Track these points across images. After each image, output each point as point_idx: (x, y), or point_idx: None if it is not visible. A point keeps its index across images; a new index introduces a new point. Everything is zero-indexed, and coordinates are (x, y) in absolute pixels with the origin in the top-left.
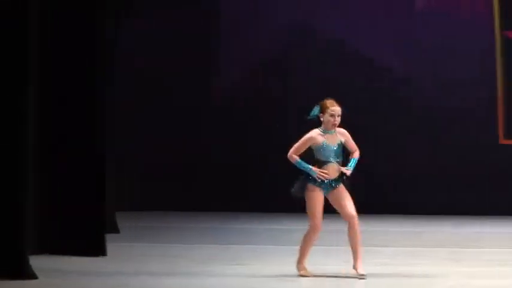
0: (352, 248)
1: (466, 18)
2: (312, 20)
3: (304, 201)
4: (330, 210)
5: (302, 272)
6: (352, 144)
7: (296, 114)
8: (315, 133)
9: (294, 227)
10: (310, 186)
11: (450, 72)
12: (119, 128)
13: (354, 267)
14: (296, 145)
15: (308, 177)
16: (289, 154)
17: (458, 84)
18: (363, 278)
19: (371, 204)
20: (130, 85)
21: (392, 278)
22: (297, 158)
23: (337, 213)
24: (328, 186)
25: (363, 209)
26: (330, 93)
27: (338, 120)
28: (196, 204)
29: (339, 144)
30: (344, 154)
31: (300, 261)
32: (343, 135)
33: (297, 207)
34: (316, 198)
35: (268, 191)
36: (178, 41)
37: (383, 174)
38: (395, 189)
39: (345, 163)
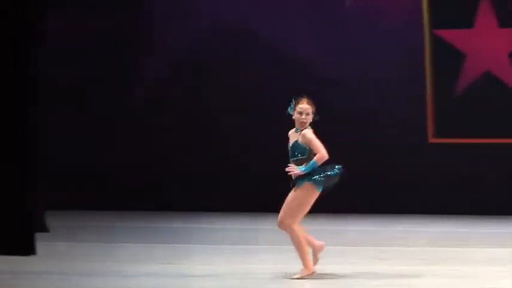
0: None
1: (395, 17)
2: (239, 19)
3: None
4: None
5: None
6: (314, 147)
7: (221, 114)
8: (290, 131)
9: (219, 226)
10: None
11: (379, 71)
12: (52, 128)
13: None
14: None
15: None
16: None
17: (387, 83)
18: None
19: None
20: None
21: (320, 277)
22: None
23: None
24: (299, 179)
25: None
26: (256, 93)
27: (306, 118)
28: (126, 203)
29: (293, 144)
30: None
31: (304, 264)
32: (302, 137)
33: (219, 205)
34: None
35: (196, 190)
36: (100, 42)
37: None
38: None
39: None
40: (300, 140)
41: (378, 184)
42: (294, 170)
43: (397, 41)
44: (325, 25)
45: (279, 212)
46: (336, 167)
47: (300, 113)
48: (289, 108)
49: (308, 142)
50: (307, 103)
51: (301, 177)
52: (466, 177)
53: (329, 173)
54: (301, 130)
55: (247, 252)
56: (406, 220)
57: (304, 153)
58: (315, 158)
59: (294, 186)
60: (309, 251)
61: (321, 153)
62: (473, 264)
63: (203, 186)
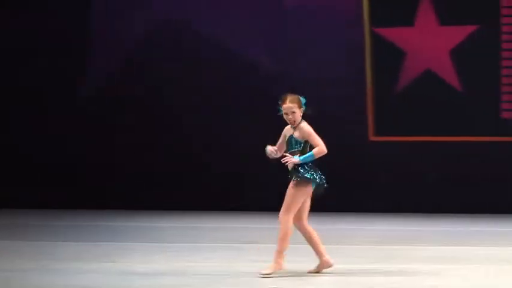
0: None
1: (336, 16)
2: (181, 18)
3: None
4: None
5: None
6: (313, 141)
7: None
8: (287, 126)
9: (160, 225)
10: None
11: (320, 70)
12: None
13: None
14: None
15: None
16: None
17: (329, 81)
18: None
19: (247, 205)
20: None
21: (270, 275)
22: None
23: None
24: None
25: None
26: (199, 91)
27: (293, 116)
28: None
29: (289, 138)
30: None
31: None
32: (299, 131)
33: (162, 204)
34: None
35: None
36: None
37: (254, 174)
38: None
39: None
40: (295, 134)
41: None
42: (290, 159)
43: (337, 39)
44: (267, 25)
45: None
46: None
47: (286, 114)
48: (279, 109)
49: (307, 136)
50: (289, 101)
51: (299, 173)
52: (407, 175)
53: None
54: (296, 127)
55: (193, 250)
56: (350, 218)
57: (300, 146)
58: (313, 151)
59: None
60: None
61: (321, 146)
62: (417, 262)
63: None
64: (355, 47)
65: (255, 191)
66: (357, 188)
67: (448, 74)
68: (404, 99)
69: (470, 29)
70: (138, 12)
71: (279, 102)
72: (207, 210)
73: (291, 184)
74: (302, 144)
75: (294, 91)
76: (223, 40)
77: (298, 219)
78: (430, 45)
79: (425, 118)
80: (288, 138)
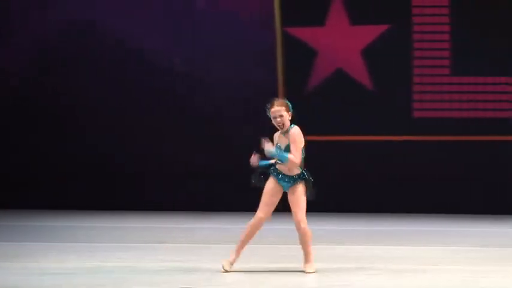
0: (302, 249)
1: (248, 16)
2: (92, 18)
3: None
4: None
5: (226, 267)
6: (293, 149)
7: (65, 115)
8: (276, 133)
9: (74, 224)
10: (270, 177)
11: (231, 70)
12: None
13: (303, 266)
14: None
15: (270, 170)
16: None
17: (240, 81)
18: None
19: (160, 203)
20: None
21: (175, 274)
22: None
23: None
24: (287, 181)
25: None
26: (111, 92)
27: (281, 119)
28: None
29: (286, 146)
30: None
31: (236, 252)
32: (290, 137)
33: (76, 204)
34: (269, 190)
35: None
36: None
37: (152, 171)
38: (159, 187)
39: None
40: (284, 141)
41: (233, 183)
42: (270, 147)
43: (249, 39)
44: (177, 26)
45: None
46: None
47: (274, 118)
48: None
49: (291, 141)
50: (277, 105)
51: (296, 179)
52: (316, 174)
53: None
54: (286, 131)
55: (106, 250)
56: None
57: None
58: (289, 155)
59: (286, 183)
60: None
61: (296, 158)
62: (326, 261)
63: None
64: (266, 47)
65: (169, 192)
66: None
67: (360, 73)
68: (315, 98)
69: (381, 28)
70: (42, 11)
71: (267, 108)
72: (120, 210)
73: (294, 186)
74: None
75: (205, 92)
76: (132, 41)
77: (266, 214)
78: (341, 44)
79: (337, 118)
80: (284, 147)
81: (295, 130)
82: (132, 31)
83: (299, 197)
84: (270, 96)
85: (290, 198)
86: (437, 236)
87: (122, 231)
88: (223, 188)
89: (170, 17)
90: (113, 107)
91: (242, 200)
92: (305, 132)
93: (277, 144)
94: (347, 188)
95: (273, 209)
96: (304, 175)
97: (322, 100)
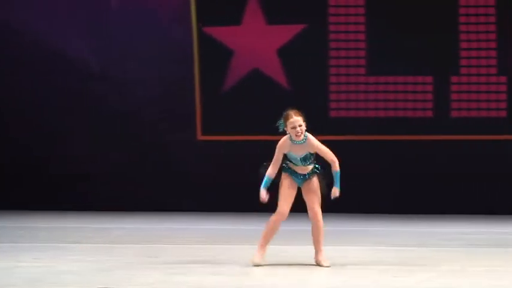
0: (313, 242)
1: (164, 15)
2: (6, 17)
3: None
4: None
5: (257, 260)
6: (325, 154)
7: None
8: (283, 141)
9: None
10: (283, 174)
11: (147, 69)
12: None
13: (317, 260)
14: (274, 159)
15: (283, 166)
16: (268, 172)
17: (156, 80)
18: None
19: (90, 204)
20: None
21: (91, 274)
22: (269, 175)
23: None
24: (301, 178)
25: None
26: (21, 92)
27: (300, 129)
28: None
29: (306, 155)
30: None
31: (259, 245)
32: (312, 147)
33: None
34: (285, 185)
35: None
36: None
37: (69, 171)
38: (74, 188)
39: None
40: (311, 151)
41: (151, 181)
42: (336, 193)
43: (165, 38)
44: (94, 25)
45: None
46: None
47: (294, 128)
48: (280, 125)
49: (316, 148)
50: (295, 115)
51: (309, 174)
52: (235, 174)
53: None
54: (303, 140)
55: (23, 250)
56: (177, 218)
57: (311, 158)
58: (336, 169)
59: (303, 180)
60: None
61: (335, 159)
62: (240, 261)
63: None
64: (183, 46)
65: (86, 192)
66: (185, 187)
67: (276, 73)
68: (232, 98)
69: (297, 28)
70: None
71: (280, 122)
72: (37, 210)
73: (314, 181)
74: (313, 157)
75: (121, 91)
76: (47, 40)
77: (287, 209)
78: (257, 44)
79: (254, 117)
80: (291, 154)
81: (312, 137)
82: (48, 31)
83: (315, 190)
84: (187, 95)
85: (305, 192)
86: (342, 235)
87: (39, 231)
88: (139, 187)
89: (85, 15)
90: (32, 105)
91: (159, 200)
92: (222, 132)
93: (289, 152)
94: (271, 188)
95: (291, 203)
96: (317, 169)
97: (238, 99)
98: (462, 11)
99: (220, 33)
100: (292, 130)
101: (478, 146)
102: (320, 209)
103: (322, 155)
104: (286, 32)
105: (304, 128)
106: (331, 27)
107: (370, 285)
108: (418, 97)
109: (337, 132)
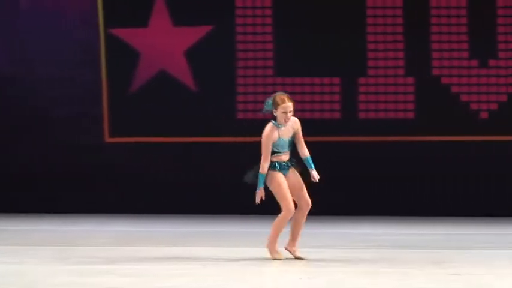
0: (293, 230)
1: (72, 17)
2: None
3: None
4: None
5: (276, 256)
6: (300, 136)
7: None
8: (270, 130)
9: None
10: (272, 172)
11: (55, 70)
12: None
13: (289, 249)
14: (264, 153)
15: (270, 166)
16: (261, 171)
17: (63, 81)
18: (303, 259)
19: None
20: None
21: (8, 276)
22: (263, 173)
23: None
24: (285, 168)
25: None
26: None
27: (290, 115)
28: None
29: (292, 136)
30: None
31: (273, 245)
32: (295, 124)
33: None
34: (281, 182)
35: None
36: None
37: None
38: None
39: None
40: (295, 128)
41: (59, 182)
42: (316, 175)
43: (72, 40)
44: (3, 26)
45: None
46: None
47: (284, 112)
48: (266, 105)
49: (299, 128)
50: (288, 101)
51: (290, 163)
52: (144, 175)
53: None
54: (286, 124)
55: None
56: (88, 219)
57: (291, 144)
58: (308, 155)
59: (287, 168)
60: None
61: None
62: (151, 263)
63: None
64: (90, 48)
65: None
66: (99, 189)
67: (183, 74)
68: (139, 99)
69: (205, 29)
70: None
71: (271, 98)
72: None
73: (293, 170)
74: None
75: (30, 92)
76: None
77: (292, 202)
78: (164, 45)
79: (162, 119)
80: (281, 139)
81: (294, 117)
82: None
83: (299, 176)
84: (95, 97)
85: (292, 181)
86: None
87: None
88: (46, 188)
89: None
90: None
91: (69, 201)
92: (129, 134)
93: (279, 138)
94: (174, 190)
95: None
96: (293, 162)
97: (146, 101)
98: (369, 12)
99: (127, 34)
100: (283, 114)
101: (386, 147)
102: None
103: (299, 137)
104: (193, 34)
105: (292, 114)
106: (238, 29)
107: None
108: (325, 98)
109: (245, 134)
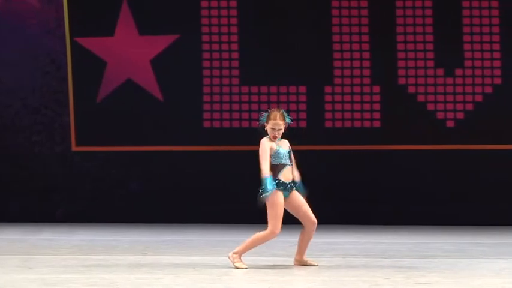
0: (301, 246)
1: (38, 25)
2: None
3: None
4: None
5: (238, 264)
6: (292, 157)
7: None
8: (266, 141)
9: None
10: (276, 191)
11: (20, 79)
12: None
13: (300, 261)
14: (262, 156)
15: (275, 181)
16: (264, 174)
17: (29, 90)
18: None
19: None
20: None
21: None
22: (269, 175)
23: None
24: (289, 189)
25: None
26: None
27: (278, 134)
28: None
29: (289, 148)
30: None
31: (239, 253)
32: (287, 144)
33: None
34: (280, 204)
35: None
36: None
37: None
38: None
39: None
40: (285, 147)
41: (25, 192)
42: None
43: (38, 48)
44: None
45: None
46: None
47: (273, 129)
48: (262, 117)
49: (290, 151)
50: (280, 119)
51: (294, 185)
52: (110, 185)
53: None
54: (280, 140)
55: None
56: (53, 228)
57: (291, 159)
58: (297, 178)
59: (290, 190)
60: None
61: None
62: (117, 272)
63: None
64: (57, 57)
65: None
66: (79, 198)
67: (150, 83)
68: (106, 109)
69: (171, 38)
70: None
71: (264, 115)
72: None
73: (295, 192)
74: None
75: None
76: None
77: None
78: (130, 54)
79: (128, 128)
80: (279, 150)
81: (287, 141)
82: None
83: (302, 197)
84: (62, 107)
85: (294, 201)
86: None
87: None
88: (11, 198)
89: None
90: None
91: (34, 211)
92: (94, 143)
93: (278, 148)
94: (140, 200)
95: None
96: (295, 185)
97: (112, 110)
98: (335, 21)
99: (93, 44)
100: (271, 130)
101: (352, 156)
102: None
103: (291, 158)
104: (159, 42)
105: (281, 133)
106: (204, 38)
107: None
108: (291, 107)
109: (211, 143)
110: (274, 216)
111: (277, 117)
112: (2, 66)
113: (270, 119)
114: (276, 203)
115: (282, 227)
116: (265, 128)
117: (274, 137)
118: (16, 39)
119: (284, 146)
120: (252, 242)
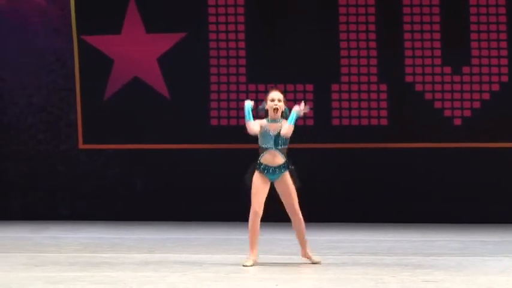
0: (298, 239)
1: (44, 22)
2: None
3: None
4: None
5: (247, 262)
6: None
7: None
8: (262, 120)
9: None
10: (256, 172)
11: (27, 77)
12: None
13: (305, 255)
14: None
15: (255, 165)
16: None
17: (37, 88)
18: (319, 263)
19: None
20: None
21: None
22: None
23: None
24: (272, 173)
25: None
26: None
27: (278, 104)
28: None
29: (277, 133)
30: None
31: (251, 250)
32: (277, 130)
33: None
34: (258, 183)
35: None
36: None
37: None
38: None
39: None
40: (279, 129)
41: (33, 190)
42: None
43: (45, 46)
44: None
45: None
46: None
47: (272, 100)
48: (262, 105)
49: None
50: (275, 90)
51: (281, 169)
52: (119, 183)
53: None
54: (277, 120)
55: None
56: (60, 226)
57: (286, 143)
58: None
59: (274, 174)
60: None
61: (289, 131)
62: (123, 270)
63: None
64: (63, 55)
65: None
66: (86, 197)
67: (157, 81)
68: (113, 107)
69: (178, 36)
70: None
71: (263, 103)
72: None
73: (286, 179)
74: (288, 142)
75: (1, 100)
76: None
77: (260, 207)
78: (137, 52)
79: (135, 126)
80: (266, 131)
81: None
82: None
83: (290, 186)
84: (68, 105)
85: (281, 188)
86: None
87: None
88: (21, 196)
89: None
90: None
91: (42, 209)
92: (101, 141)
93: (266, 129)
94: (147, 197)
95: (264, 199)
96: (288, 164)
97: (119, 108)
98: (342, 19)
99: (101, 42)
100: (271, 103)
101: (359, 154)
102: (298, 205)
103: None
104: (166, 41)
105: (282, 105)
106: (211, 36)
107: None
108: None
109: (218, 141)
110: (252, 195)
111: (274, 90)
112: (7, 64)
113: (267, 97)
114: (253, 182)
115: (286, 225)
116: (266, 108)
117: (276, 110)
118: (24, 38)
119: (273, 128)
120: (250, 234)
